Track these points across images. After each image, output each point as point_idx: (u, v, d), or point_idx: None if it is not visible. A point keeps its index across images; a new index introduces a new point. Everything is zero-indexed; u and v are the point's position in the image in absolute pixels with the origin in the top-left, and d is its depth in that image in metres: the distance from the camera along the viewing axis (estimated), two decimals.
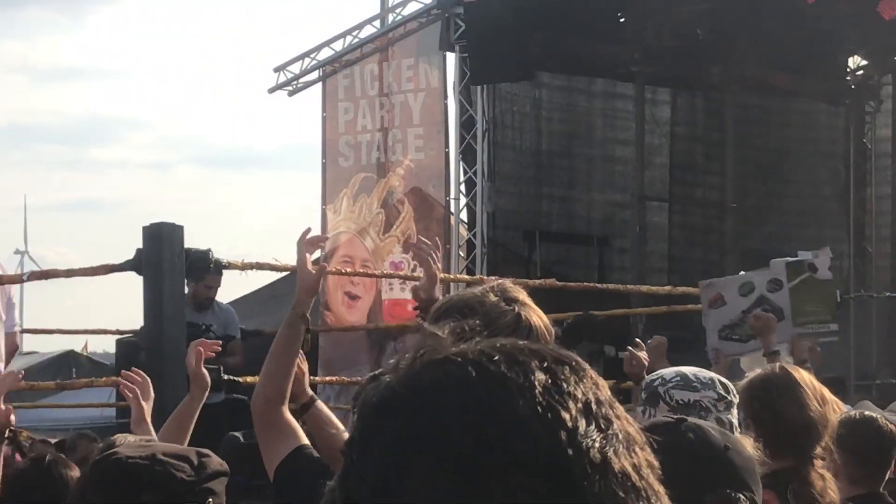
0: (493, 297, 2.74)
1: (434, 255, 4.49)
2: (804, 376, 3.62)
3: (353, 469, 1.07)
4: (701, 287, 6.85)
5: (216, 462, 2.62)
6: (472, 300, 2.78)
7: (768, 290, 6.54)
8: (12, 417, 5.11)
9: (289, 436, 3.82)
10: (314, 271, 4.00)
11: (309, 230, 4.03)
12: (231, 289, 14.20)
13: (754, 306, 6.39)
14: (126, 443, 2.80)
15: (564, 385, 1.03)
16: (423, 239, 12.55)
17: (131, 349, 8.56)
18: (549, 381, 1.03)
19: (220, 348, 5.02)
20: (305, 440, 3.87)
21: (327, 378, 10.40)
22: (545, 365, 1.05)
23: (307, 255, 3.98)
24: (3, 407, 4.99)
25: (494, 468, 1.00)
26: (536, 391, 1.02)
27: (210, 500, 2.51)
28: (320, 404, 3.71)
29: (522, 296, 2.80)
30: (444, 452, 1.01)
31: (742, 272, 7.05)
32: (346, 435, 1.68)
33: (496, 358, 1.04)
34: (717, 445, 2.21)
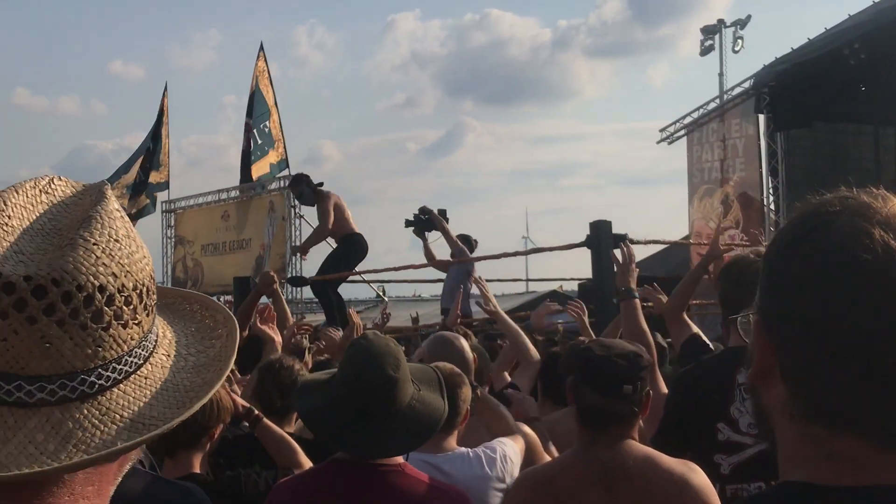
0: None
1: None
2: None
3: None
4: None
5: (646, 358, 3.06)
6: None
7: None
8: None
9: (686, 328, 4.71)
10: (717, 251, 5.01)
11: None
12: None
13: None
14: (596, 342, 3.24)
15: None
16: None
17: (587, 290, 10.15)
18: None
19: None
20: (696, 331, 4.67)
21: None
22: None
23: (718, 237, 5.27)
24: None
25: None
26: None
27: (638, 383, 2.98)
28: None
29: None
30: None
31: None
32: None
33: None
34: None
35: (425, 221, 11.70)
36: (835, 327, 1.06)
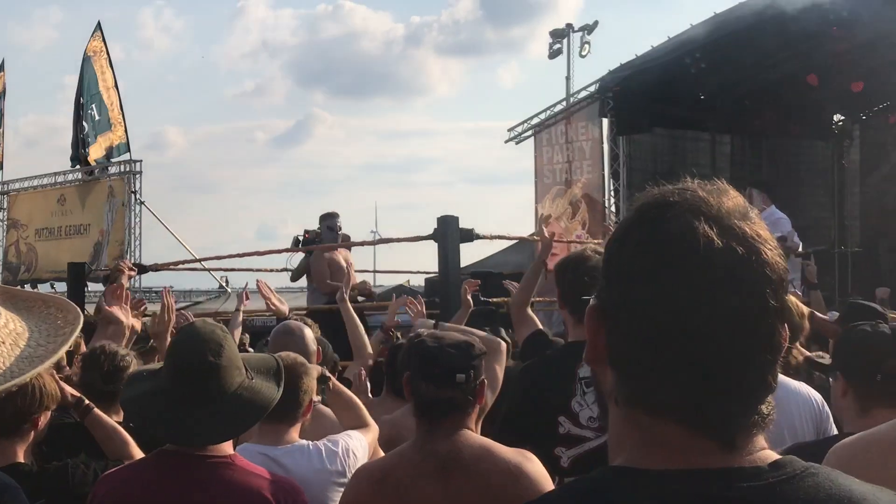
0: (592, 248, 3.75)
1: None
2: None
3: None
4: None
5: (478, 347, 3.06)
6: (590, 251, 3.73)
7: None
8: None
9: (530, 324, 4.81)
10: (548, 242, 5.28)
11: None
12: (483, 250, 18.28)
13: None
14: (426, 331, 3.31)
15: None
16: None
17: (433, 284, 11.81)
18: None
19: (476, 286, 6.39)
20: (540, 326, 4.78)
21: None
22: None
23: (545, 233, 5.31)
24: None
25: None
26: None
27: (471, 372, 2.97)
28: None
29: None
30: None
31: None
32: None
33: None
34: None
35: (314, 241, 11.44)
36: (653, 317, 1.09)
